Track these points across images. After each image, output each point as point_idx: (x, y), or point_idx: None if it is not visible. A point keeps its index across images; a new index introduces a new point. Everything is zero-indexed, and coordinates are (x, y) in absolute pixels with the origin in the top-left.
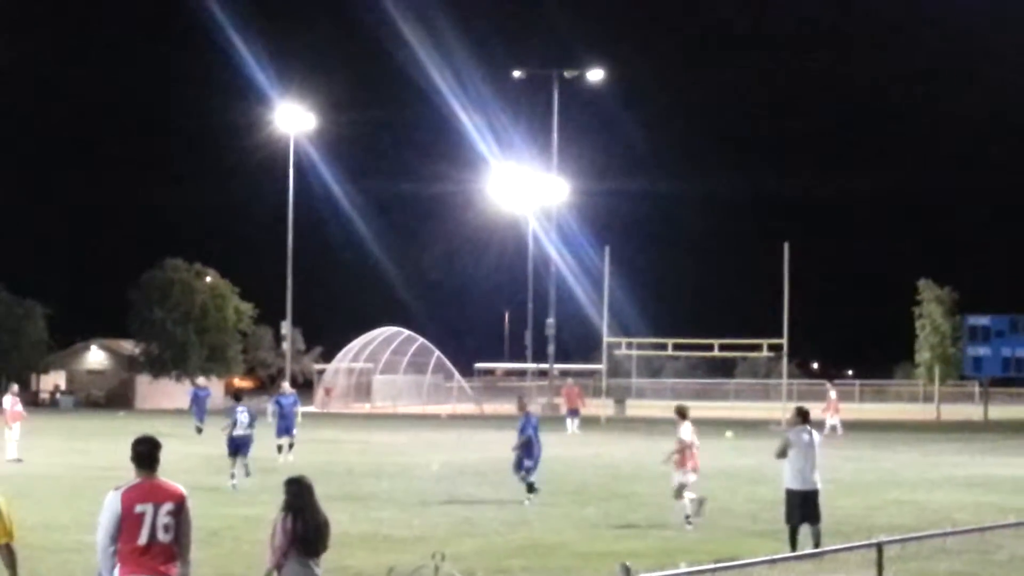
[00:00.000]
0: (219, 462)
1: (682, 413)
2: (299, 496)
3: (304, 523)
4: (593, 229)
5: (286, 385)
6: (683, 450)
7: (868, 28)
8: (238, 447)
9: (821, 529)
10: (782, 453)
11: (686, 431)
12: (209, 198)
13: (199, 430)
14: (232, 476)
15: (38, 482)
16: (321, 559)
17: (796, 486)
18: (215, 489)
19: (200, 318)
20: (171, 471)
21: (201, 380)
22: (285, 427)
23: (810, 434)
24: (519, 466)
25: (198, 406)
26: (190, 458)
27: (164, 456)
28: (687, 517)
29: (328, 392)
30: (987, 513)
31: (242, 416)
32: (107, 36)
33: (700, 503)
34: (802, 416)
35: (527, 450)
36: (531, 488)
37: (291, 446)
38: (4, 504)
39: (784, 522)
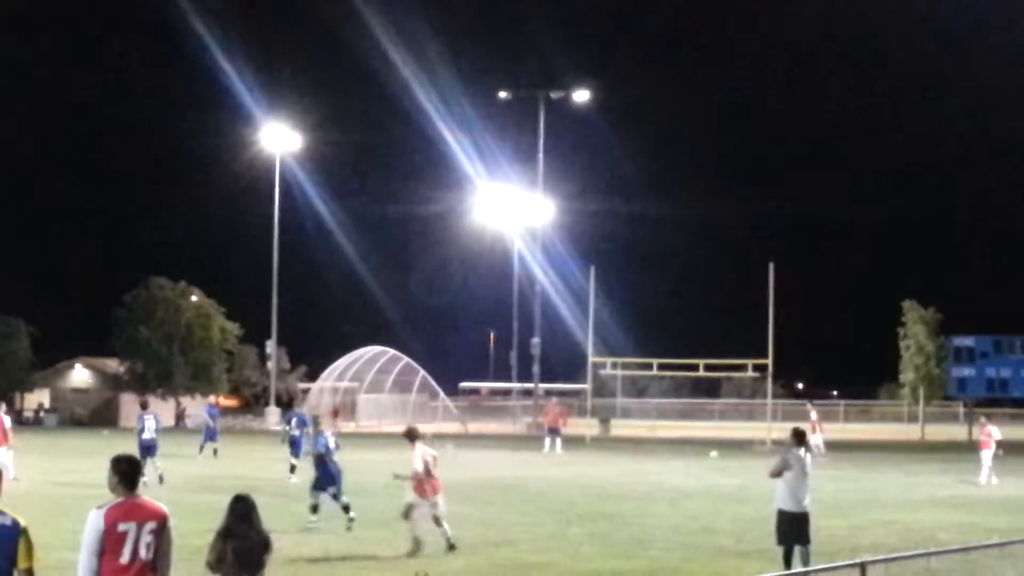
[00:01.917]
0: (203, 481)
1: (411, 436)
2: (237, 515)
3: (237, 542)
4: (578, 249)
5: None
6: (420, 479)
7: (855, 50)
8: (146, 450)
9: (810, 550)
10: (778, 473)
11: (418, 457)
12: (194, 217)
13: (215, 452)
14: (154, 472)
15: (21, 500)
16: (264, 573)
17: (789, 507)
18: (198, 507)
19: (185, 337)
20: (157, 489)
21: (212, 398)
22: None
23: (802, 457)
24: (318, 486)
25: (210, 425)
26: (174, 476)
27: (151, 475)
28: (415, 539)
29: (337, 413)
30: (971, 533)
31: (149, 422)
32: (93, 58)
33: (418, 544)
34: (798, 437)
35: (324, 470)
36: (346, 509)
37: (292, 467)
38: (26, 528)
39: (776, 543)
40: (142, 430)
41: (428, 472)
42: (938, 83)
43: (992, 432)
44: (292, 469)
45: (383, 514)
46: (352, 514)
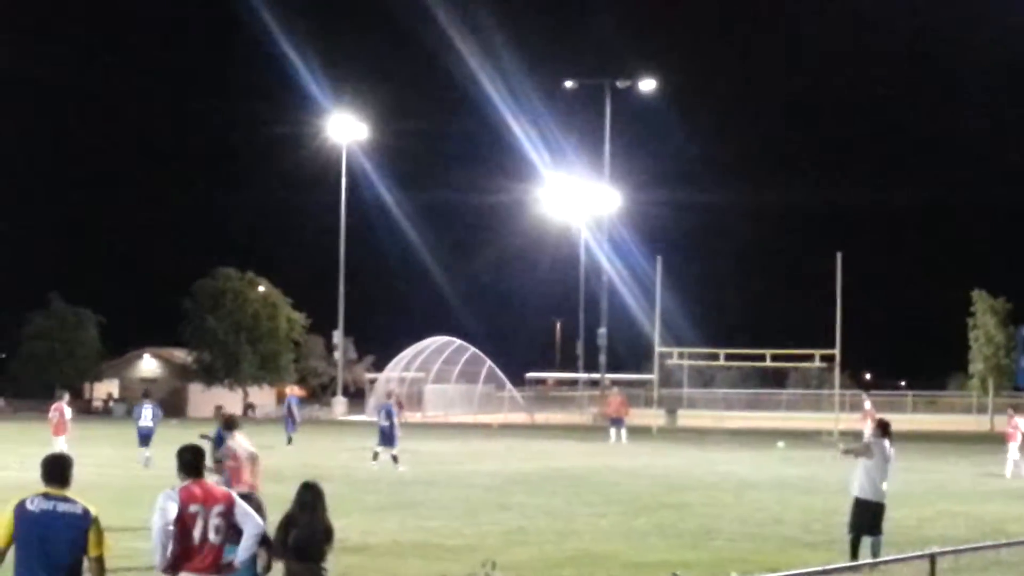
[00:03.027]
0: (271, 470)
1: (230, 424)
2: (302, 504)
3: (298, 531)
4: (645, 239)
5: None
6: (239, 468)
7: (922, 34)
8: (143, 437)
9: (882, 540)
10: (852, 453)
11: (241, 444)
12: (262, 207)
13: (289, 440)
14: (143, 458)
15: (90, 489)
16: (327, 561)
17: (867, 496)
18: (266, 496)
19: (252, 327)
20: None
21: (297, 389)
22: (390, 437)
23: (887, 448)
24: None
25: (292, 416)
26: None
27: None
28: None
29: (401, 406)
30: None
31: (146, 411)
32: (163, 47)
33: None
34: (883, 428)
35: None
36: None
37: (395, 458)
38: (96, 516)
39: (848, 531)
40: (139, 418)
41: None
42: (1007, 68)
43: (1020, 424)
44: (394, 458)
45: (450, 504)
46: None
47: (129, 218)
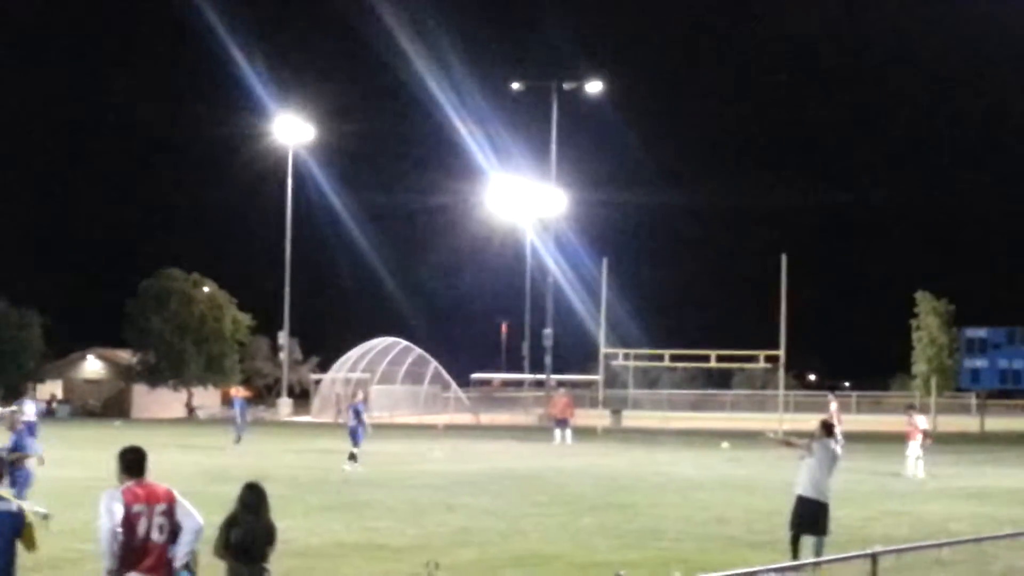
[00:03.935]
0: (216, 471)
1: None
2: (244, 504)
3: (240, 531)
4: (591, 240)
5: (360, 394)
6: None
7: (866, 37)
8: (30, 430)
9: (825, 541)
10: (792, 445)
11: None
12: (207, 208)
13: (238, 440)
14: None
15: (32, 491)
16: (269, 562)
17: (809, 495)
18: (211, 498)
19: (197, 328)
20: (169, 479)
21: (243, 390)
22: (355, 435)
23: (833, 448)
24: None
25: (242, 415)
26: (185, 467)
27: (163, 465)
28: None
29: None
30: (983, 524)
31: (28, 407)
32: (106, 47)
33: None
34: (826, 428)
35: (17, 471)
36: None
37: (352, 456)
38: (31, 517)
39: (788, 528)
40: (20, 411)
41: None
42: (952, 67)
43: (918, 423)
44: (352, 457)
45: (396, 504)
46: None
47: (74, 218)
